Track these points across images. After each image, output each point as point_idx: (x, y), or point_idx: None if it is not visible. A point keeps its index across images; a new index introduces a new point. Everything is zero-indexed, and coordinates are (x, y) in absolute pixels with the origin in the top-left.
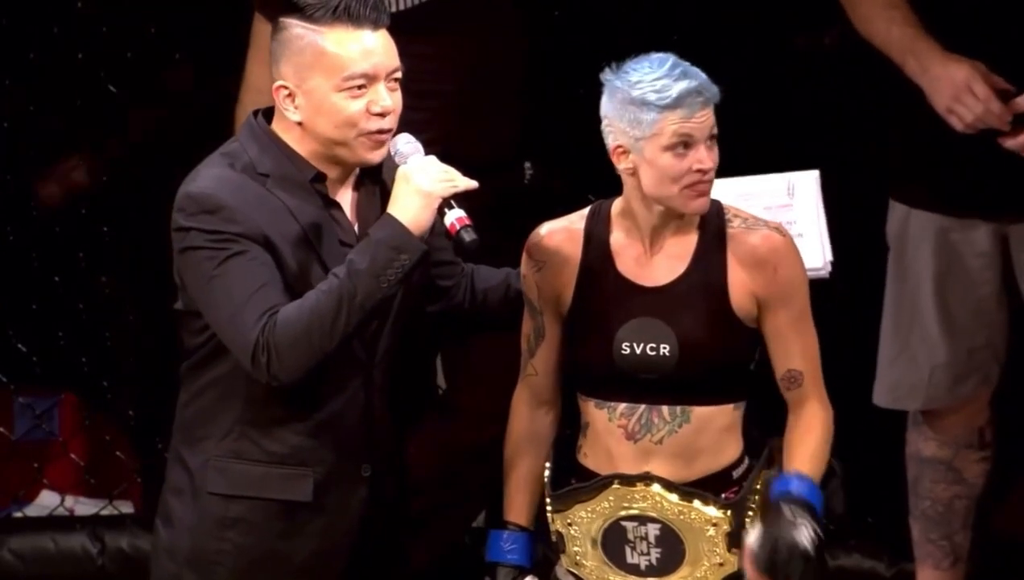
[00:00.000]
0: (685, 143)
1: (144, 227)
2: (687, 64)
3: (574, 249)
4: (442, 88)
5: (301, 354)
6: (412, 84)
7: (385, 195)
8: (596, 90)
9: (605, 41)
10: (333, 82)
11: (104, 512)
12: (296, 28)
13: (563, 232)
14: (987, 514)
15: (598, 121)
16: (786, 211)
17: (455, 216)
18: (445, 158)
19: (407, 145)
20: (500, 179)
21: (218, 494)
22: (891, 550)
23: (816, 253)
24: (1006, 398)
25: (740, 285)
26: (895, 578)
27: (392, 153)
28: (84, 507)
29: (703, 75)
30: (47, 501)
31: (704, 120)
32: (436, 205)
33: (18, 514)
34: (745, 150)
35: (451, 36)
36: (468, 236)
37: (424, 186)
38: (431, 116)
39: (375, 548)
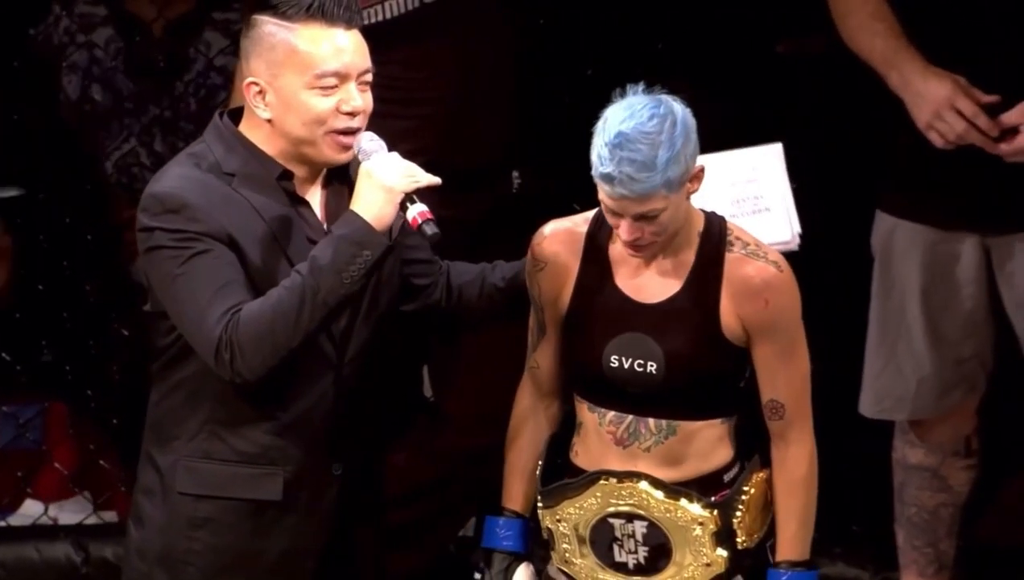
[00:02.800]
0: (612, 212)
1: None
2: (654, 134)
3: (574, 254)
4: (431, 95)
5: (264, 351)
6: (401, 91)
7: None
8: (582, 98)
9: (590, 49)
10: (304, 80)
11: (88, 521)
12: (268, 25)
13: (566, 234)
14: (972, 522)
15: (585, 129)
16: (752, 186)
17: (417, 210)
18: (434, 165)
19: (370, 142)
20: (489, 187)
21: (188, 494)
22: (875, 559)
23: (783, 226)
24: (992, 407)
25: (731, 310)
26: None
27: (356, 150)
28: (68, 516)
29: (659, 154)
30: (31, 510)
31: (628, 205)
32: (398, 200)
33: (1, 523)
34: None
35: (440, 44)
36: (430, 229)
37: (386, 181)
38: (420, 123)
39: (348, 548)
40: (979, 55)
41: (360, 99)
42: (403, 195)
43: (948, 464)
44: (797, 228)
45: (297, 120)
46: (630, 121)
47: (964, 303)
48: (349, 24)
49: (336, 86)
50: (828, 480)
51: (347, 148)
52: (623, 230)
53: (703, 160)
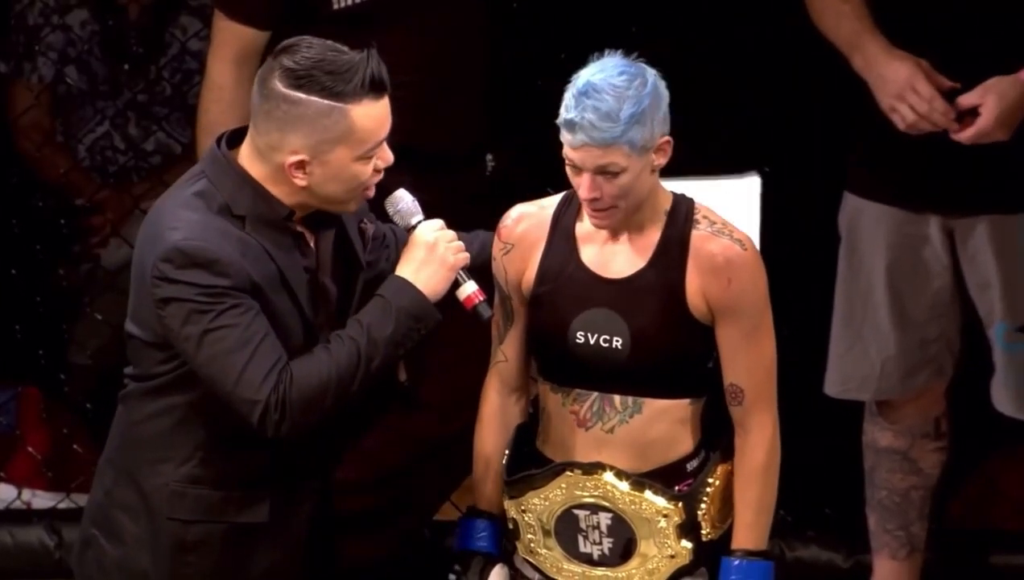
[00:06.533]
0: (573, 165)
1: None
2: (622, 88)
3: (540, 234)
4: (401, 79)
5: (313, 413)
6: None
7: (336, 217)
8: (555, 82)
9: (563, 33)
10: (357, 153)
11: (62, 505)
12: (319, 104)
13: (532, 216)
14: (943, 505)
15: (558, 113)
16: (725, 212)
17: (471, 289)
18: (406, 149)
19: (407, 203)
20: (463, 170)
21: (177, 519)
22: (849, 542)
23: None
24: (961, 389)
25: (696, 288)
26: (852, 570)
27: (391, 211)
28: (42, 500)
29: (624, 107)
30: (4, 494)
31: (586, 155)
32: (453, 277)
33: None
34: (699, 141)
35: (411, 28)
36: (485, 312)
37: (448, 259)
38: (392, 106)
39: (319, 556)
40: (944, 37)
41: (391, 153)
42: (457, 271)
43: (918, 447)
44: None
45: (341, 187)
46: (600, 74)
47: (930, 284)
48: (388, 89)
49: (377, 150)
50: (801, 464)
51: (368, 197)
52: (583, 187)
53: (678, 186)
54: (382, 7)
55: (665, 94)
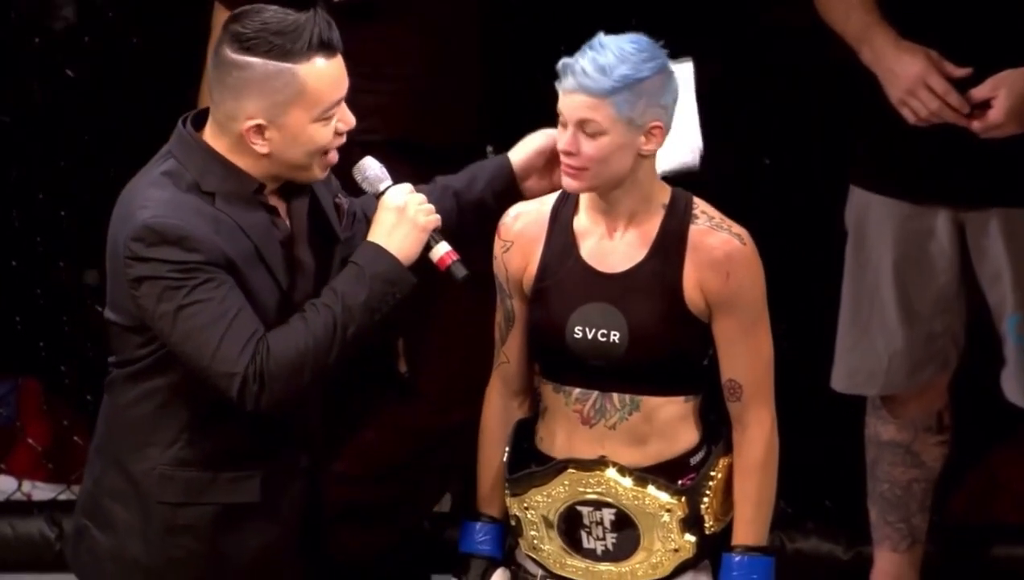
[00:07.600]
0: (562, 121)
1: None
2: (627, 53)
3: (540, 230)
4: (396, 71)
5: (292, 384)
6: (365, 66)
7: (309, 189)
8: (554, 75)
9: (563, 27)
10: (312, 114)
11: (62, 497)
12: (268, 65)
13: (531, 213)
14: (945, 497)
15: (557, 105)
16: None
17: (443, 250)
18: (406, 144)
19: (375, 170)
20: (462, 162)
21: (166, 502)
22: (849, 533)
23: (687, 145)
24: (965, 383)
25: (694, 282)
26: (853, 561)
27: (359, 179)
28: (42, 492)
29: (620, 67)
30: (4, 486)
31: (573, 103)
32: (425, 239)
33: None
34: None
35: (409, 21)
36: (459, 272)
37: (420, 221)
38: (390, 99)
39: (314, 538)
40: (953, 27)
41: (352, 116)
42: (429, 233)
43: (920, 440)
44: (699, 143)
45: (301, 151)
46: (615, 38)
47: (937, 278)
48: (339, 48)
49: (335, 110)
50: (801, 456)
51: (332, 162)
52: (563, 139)
53: None
54: (382, 1)
55: (674, 87)
